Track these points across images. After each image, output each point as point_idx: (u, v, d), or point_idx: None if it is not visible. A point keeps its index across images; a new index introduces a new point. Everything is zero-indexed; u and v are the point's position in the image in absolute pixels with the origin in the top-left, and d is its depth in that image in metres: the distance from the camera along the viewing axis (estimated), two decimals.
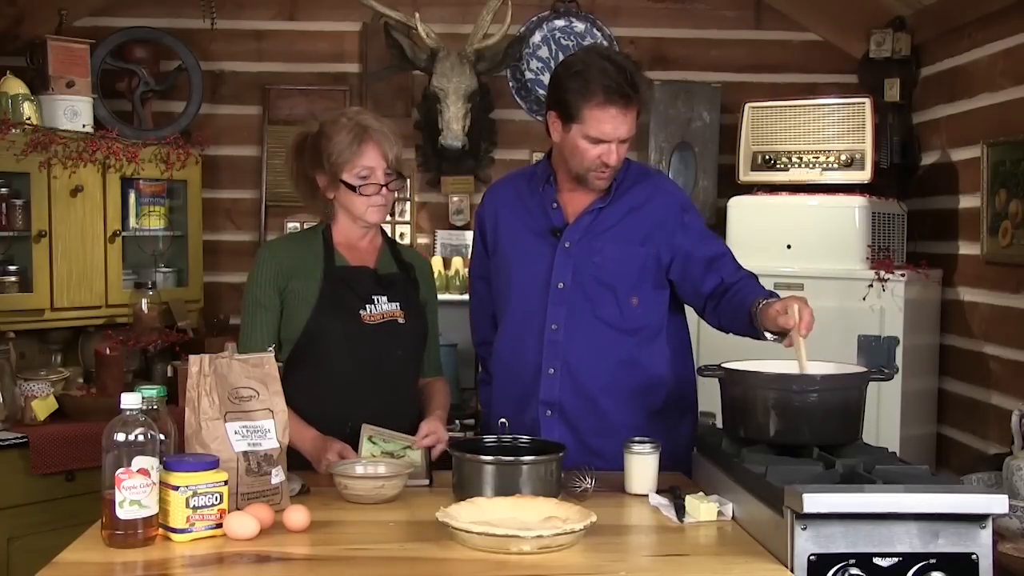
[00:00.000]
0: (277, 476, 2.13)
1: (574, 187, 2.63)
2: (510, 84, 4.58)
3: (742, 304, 2.48)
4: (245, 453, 2.09)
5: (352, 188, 2.51)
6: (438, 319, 2.78)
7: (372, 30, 4.47)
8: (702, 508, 2.13)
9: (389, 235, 2.77)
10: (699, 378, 2.59)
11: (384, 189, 2.53)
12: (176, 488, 1.93)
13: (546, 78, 4.49)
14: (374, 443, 2.46)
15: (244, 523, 1.97)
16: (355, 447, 2.44)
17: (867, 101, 4.00)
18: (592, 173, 2.56)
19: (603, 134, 2.50)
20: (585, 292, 2.60)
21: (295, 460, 2.35)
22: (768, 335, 2.38)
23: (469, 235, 4.53)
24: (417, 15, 4.17)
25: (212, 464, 1.98)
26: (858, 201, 3.89)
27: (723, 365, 2.32)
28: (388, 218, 4.51)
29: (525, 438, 2.40)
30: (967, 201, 3.90)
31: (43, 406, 3.50)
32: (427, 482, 2.43)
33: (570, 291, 2.59)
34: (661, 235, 2.61)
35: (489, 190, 2.88)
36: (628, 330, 2.61)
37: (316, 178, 2.57)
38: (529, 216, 2.68)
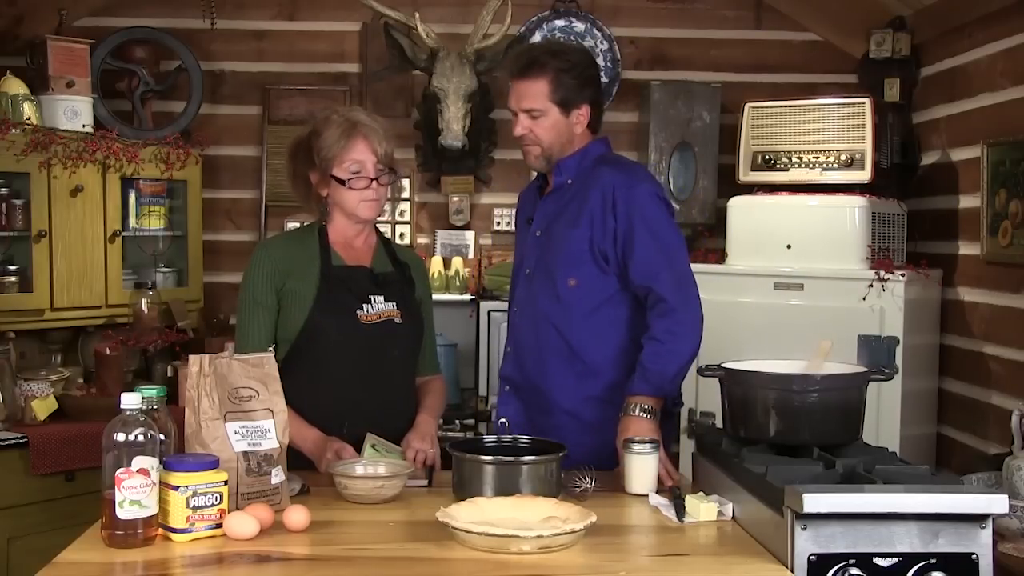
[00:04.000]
0: (277, 476, 2.13)
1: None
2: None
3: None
4: (245, 453, 2.09)
5: (342, 182, 2.52)
6: (434, 318, 2.79)
7: (372, 30, 4.47)
8: (702, 508, 2.13)
9: (387, 235, 2.78)
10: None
11: (375, 183, 2.54)
12: (176, 488, 1.93)
13: None
14: (376, 451, 2.46)
15: (244, 523, 1.97)
16: (353, 447, 2.44)
17: (867, 101, 3.99)
18: (521, 148, 2.72)
19: (510, 104, 2.70)
20: (539, 276, 2.72)
21: (295, 460, 2.35)
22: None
23: (469, 235, 4.55)
24: (417, 15, 4.17)
25: (212, 464, 1.98)
26: (858, 201, 3.89)
27: (723, 365, 2.32)
28: (388, 218, 4.52)
29: (525, 438, 2.41)
30: (967, 201, 3.90)
31: (43, 406, 3.49)
32: (427, 482, 2.43)
33: (531, 276, 2.74)
34: (598, 217, 2.63)
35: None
36: (564, 314, 2.66)
37: (309, 176, 2.58)
38: (531, 207, 2.83)
